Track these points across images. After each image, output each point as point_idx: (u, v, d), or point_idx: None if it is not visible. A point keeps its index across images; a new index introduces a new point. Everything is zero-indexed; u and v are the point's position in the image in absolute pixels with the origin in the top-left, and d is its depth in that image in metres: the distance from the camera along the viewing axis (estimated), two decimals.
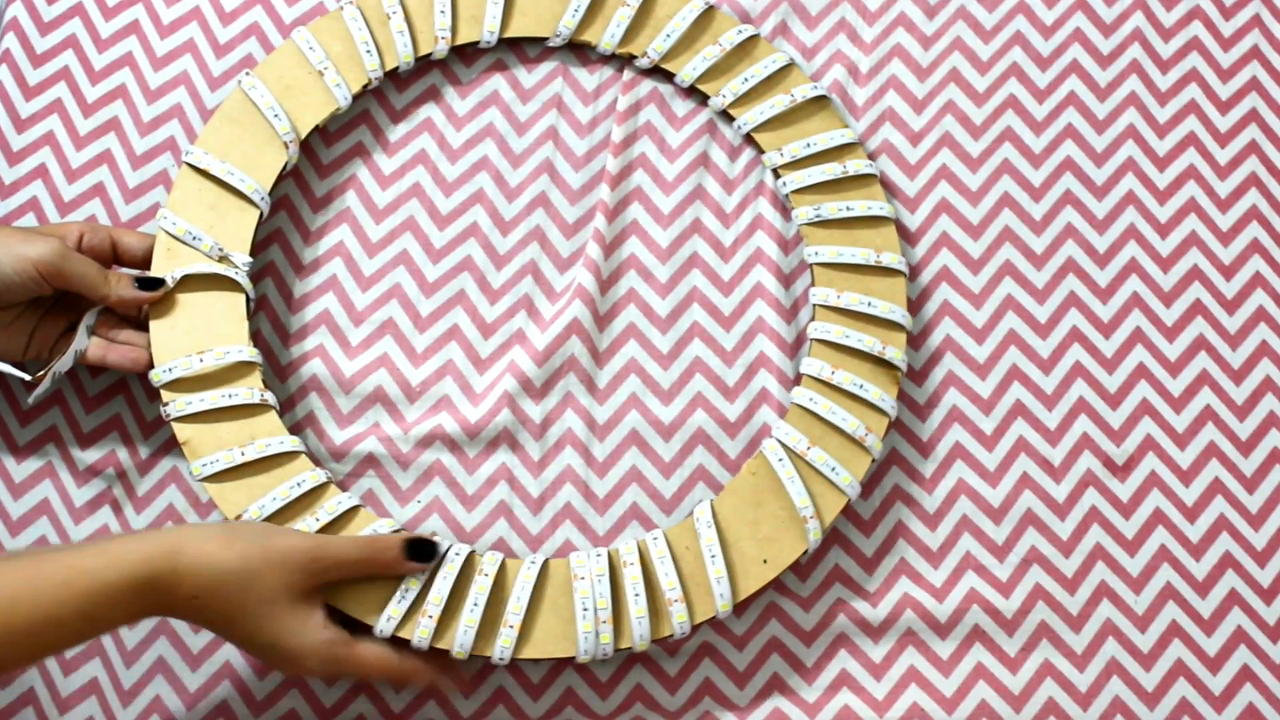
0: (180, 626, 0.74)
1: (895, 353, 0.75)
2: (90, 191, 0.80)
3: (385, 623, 0.69)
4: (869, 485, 0.76)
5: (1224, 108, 0.83)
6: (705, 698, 0.73)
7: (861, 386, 0.75)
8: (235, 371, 0.74)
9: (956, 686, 0.73)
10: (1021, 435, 0.77)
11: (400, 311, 0.78)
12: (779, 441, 0.74)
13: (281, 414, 0.76)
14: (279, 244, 0.79)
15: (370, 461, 0.76)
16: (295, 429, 0.76)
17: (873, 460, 0.74)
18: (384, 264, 0.79)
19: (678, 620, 0.71)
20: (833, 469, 0.73)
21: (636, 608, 0.70)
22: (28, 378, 0.73)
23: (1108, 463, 0.77)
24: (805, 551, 0.73)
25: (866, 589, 0.75)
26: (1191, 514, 0.76)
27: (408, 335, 0.78)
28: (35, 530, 0.75)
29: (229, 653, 0.73)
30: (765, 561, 0.72)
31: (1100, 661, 0.74)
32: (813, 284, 0.77)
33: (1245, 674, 0.74)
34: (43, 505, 0.76)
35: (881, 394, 0.74)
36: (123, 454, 0.76)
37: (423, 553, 0.69)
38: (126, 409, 0.77)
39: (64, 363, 0.72)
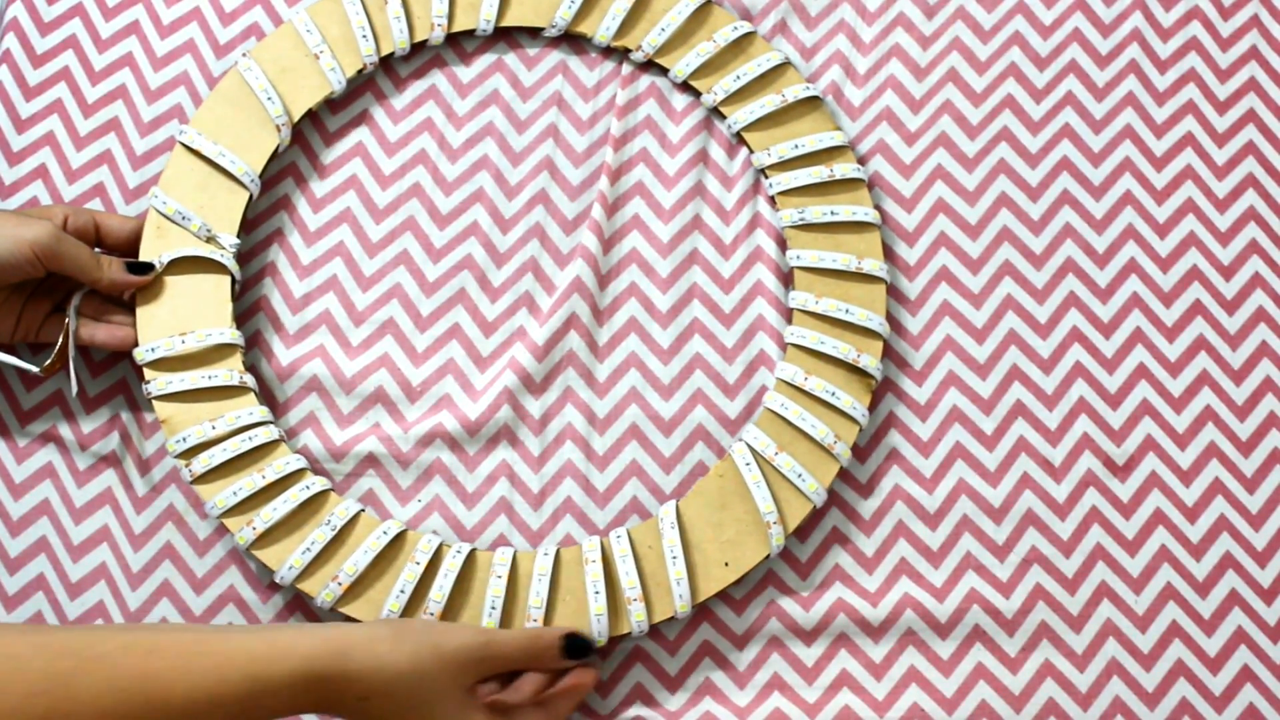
0: (181, 609, 0.74)
1: (870, 361, 0.75)
2: (90, 191, 0.80)
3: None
4: (869, 485, 0.76)
5: (1222, 108, 0.83)
6: (705, 698, 0.73)
7: (834, 394, 0.75)
8: (217, 353, 0.74)
9: (957, 686, 0.73)
10: (1022, 435, 0.77)
11: (400, 311, 0.78)
12: (747, 445, 0.74)
13: (281, 414, 0.76)
14: (279, 244, 0.79)
15: (370, 461, 0.76)
16: (295, 429, 0.76)
17: (840, 468, 0.74)
18: (384, 264, 0.79)
19: (635, 619, 0.71)
20: (799, 475, 0.73)
21: (596, 605, 0.71)
22: (36, 370, 0.73)
23: (1108, 463, 0.77)
24: (767, 556, 0.73)
25: (866, 589, 0.75)
26: (1192, 514, 0.76)
27: (408, 335, 0.78)
28: (35, 530, 0.75)
29: None
30: (726, 564, 0.72)
31: (1100, 662, 0.74)
32: (792, 287, 0.78)
33: (1245, 674, 0.74)
34: (43, 505, 0.76)
35: (853, 402, 0.74)
36: (122, 454, 0.76)
37: (580, 649, 0.68)
38: (126, 409, 0.77)
39: (72, 349, 0.73)
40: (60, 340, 0.74)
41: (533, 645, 0.67)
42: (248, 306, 0.78)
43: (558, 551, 0.73)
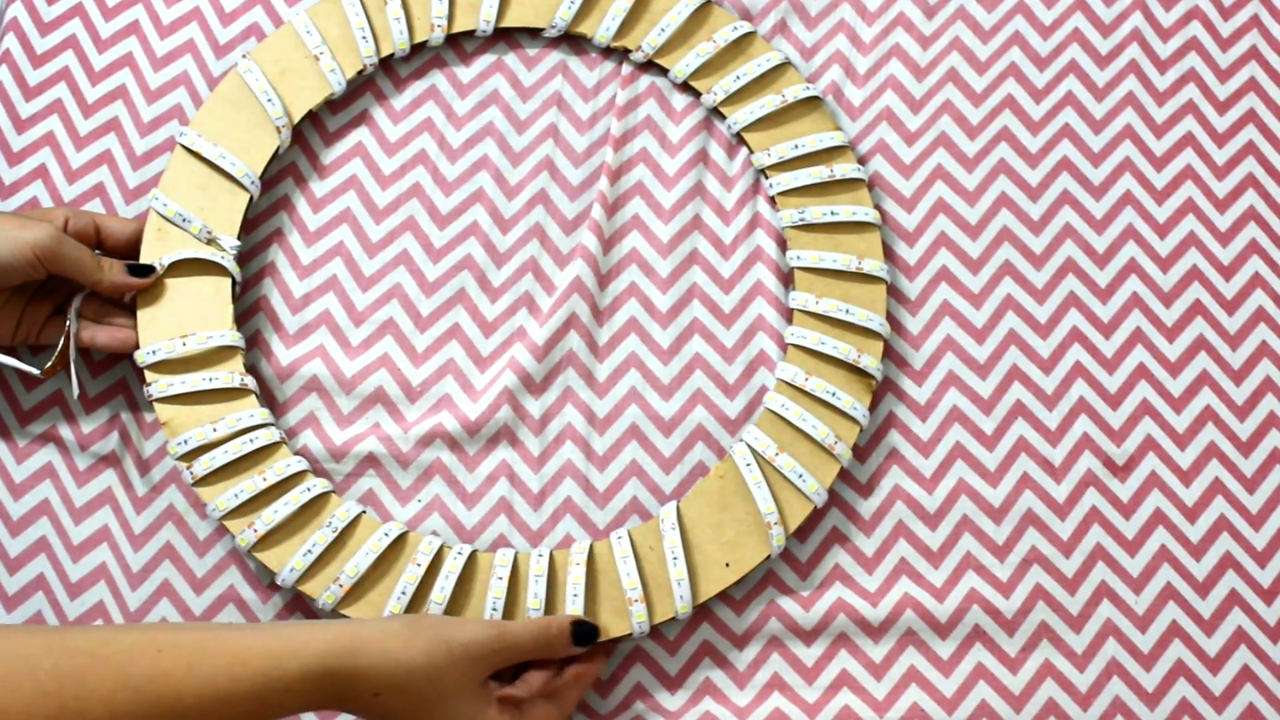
0: (181, 609, 0.74)
1: (871, 361, 0.75)
2: (90, 192, 0.80)
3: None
4: (869, 485, 0.76)
5: (1222, 108, 0.83)
6: (705, 697, 0.73)
7: (834, 394, 0.74)
8: (218, 355, 0.75)
9: (956, 686, 0.73)
10: (1022, 435, 0.77)
11: (400, 311, 0.78)
12: (748, 446, 0.74)
13: (281, 414, 0.76)
14: (279, 244, 0.79)
15: (370, 461, 0.76)
16: (295, 430, 0.76)
17: (841, 469, 0.74)
18: (384, 264, 0.79)
19: (637, 620, 0.71)
20: (800, 476, 0.73)
21: (573, 608, 0.71)
22: (36, 372, 0.73)
23: (1108, 463, 0.77)
24: (768, 557, 0.73)
25: (866, 589, 0.75)
26: (1192, 514, 0.76)
27: (408, 335, 0.78)
28: (35, 530, 0.75)
29: None
30: (728, 565, 0.72)
31: (1100, 662, 0.74)
32: (793, 288, 0.78)
33: (1245, 674, 0.74)
34: (43, 505, 0.76)
35: (854, 403, 0.74)
36: (122, 454, 0.76)
37: (587, 635, 0.69)
38: (126, 409, 0.77)
39: (73, 352, 0.73)
40: (61, 342, 0.74)
41: (543, 634, 0.68)
42: (248, 307, 0.78)
43: (551, 555, 0.73)
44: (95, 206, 0.80)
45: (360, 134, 0.81)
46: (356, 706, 0.62)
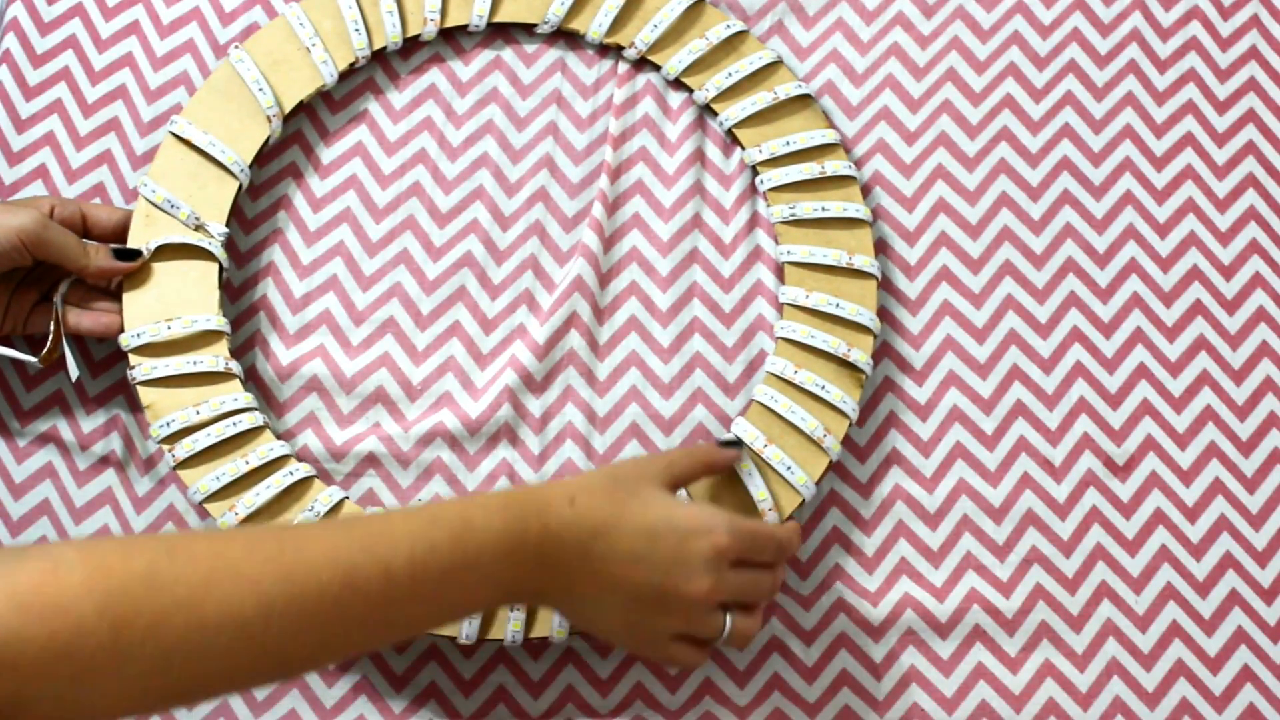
0: None
1: (860, 355, 0.75)
2: (90, 192, 0.80)
3: None
4: (869, 485, 0.76)
5: (1221, 108, 0.83)
6: (705, 697, 0.73)
7: (824, 388, 0.74)
8: (203, 339, 0.75)
9: (957, 686, 0.73)
10: (1022, 435, 0.77)
11: (401, 310, 0.78)
12: (736, 438, 0.74)
13: (281, 414, 0.76)
14: (279, 244, 0.79)
15: (370, 461, 0.76)
16: (295, 429, 0.76)
17: (830, 462, 0.74)
18: (384, 263, 0.79)
19: None
20: (788, 468, 0.73)
21: None
22: (34, 359, 0.73)
23: (1108, 463, 0.77)
24: None
25: (867, 589, 0.75)
26: (1192, 514, 0.76)
27: (409, 334, 0.78)
28: (35, 530, 0.75)
29: None
30: None
31: (1101, 661, 0.74)
32: (783, 283, 0.78)
33: (1246, 674, 0.74)
34: (43, 505, 0.76)
35: (843, 396, 0.74)
36: (123, 454, 0.76)
37: (733, 443, 0.72)
38: (127, 410, 0.77)
39: (65, 336, 0.73)
40: (53, 328, 0.73)
41: (704, 449, 0.70)
42: (247, 306, 0.78)
43: None
44: None
45: (360, 133, 0.81)
46: (557, 521, 0.60)
